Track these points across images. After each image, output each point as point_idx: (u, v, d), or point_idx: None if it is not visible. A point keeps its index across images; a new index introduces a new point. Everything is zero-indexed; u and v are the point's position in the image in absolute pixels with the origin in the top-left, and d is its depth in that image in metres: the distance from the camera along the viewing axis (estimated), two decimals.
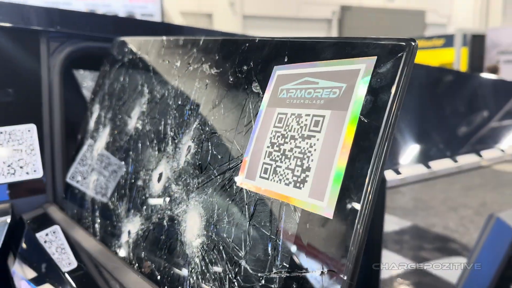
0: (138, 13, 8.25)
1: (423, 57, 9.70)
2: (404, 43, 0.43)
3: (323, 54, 0.52)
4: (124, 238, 0.82)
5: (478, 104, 2.41)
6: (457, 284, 1.66)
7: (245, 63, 0.64)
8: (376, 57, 0.45)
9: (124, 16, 7.44)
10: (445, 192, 4.46)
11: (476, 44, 9.24)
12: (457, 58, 9.18)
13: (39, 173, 1.28)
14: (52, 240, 1.06)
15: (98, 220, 0.96)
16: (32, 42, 1.32)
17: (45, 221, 1.18)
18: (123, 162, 0.96)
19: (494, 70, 7.69)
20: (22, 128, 1.27)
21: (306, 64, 0.53)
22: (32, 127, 1.29)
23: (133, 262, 0.76)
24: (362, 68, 0.46)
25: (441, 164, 2.01)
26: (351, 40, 0.49)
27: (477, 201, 4.25)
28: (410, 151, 2.03)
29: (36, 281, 0.97)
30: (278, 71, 0.57)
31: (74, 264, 0.89)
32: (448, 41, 9.45)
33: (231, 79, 0.66)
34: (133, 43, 1.13)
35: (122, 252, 0.81)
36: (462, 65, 9.12)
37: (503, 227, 1.57)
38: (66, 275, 0.83)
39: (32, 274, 1.00)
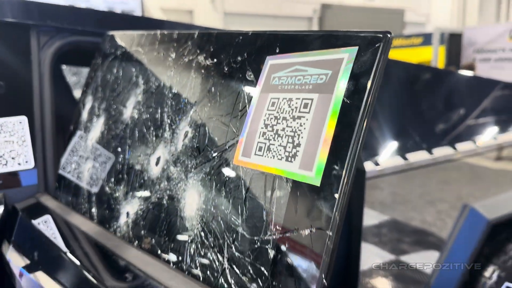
0: (118, 9, 8.17)
1: (402, 55, 9.90)
2: (381, 35, 0.50)
3: (311, 45, 0.59)
4: (122, 219, 0.87)
5: (455, 100, 2.51)
6: (432, 273, 1.73)
7: (239, 54, 0.70)
8: (357, 47, 0.52)
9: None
10: (422, 186, 4.59)
11: (453, 42, 9.48)
12: (435, 56, 9.41)
13: (30, 164, 1.30)
14: (44, 230, 1.10)
15: (94, 205, 1.00)
16: (23, 36, 1.35)
17: (38, 210, 1.22)
18: (112, 154, 1.00)
19: (470, 68, 7.91)
20: (13, 120, 1.30)
21: (296, 54, 0.60)
22: (23, 119, 1.31)
23: (133, 240, 0.82)
24: (345, 56, 0.53)
25: (418, 156, 2.11)
26: (336, 33, 0.56)
27: (453, 194, 4.39)
28: (388, 145, 2.12)
29: (30, 268, 1.00)
30: (271, 61, 0.63)
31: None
32: (426, 39, 9.66)
33: (226, 69, 0.72)
34: (126, 37, 1.17)
35: (121, 232, 0.86)
36: (439, 63, 9.35)
37: (477, 216, 1.65)
38: (69, 255, 0.88)
39: (26, 261, 1.04)
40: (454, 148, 2.28)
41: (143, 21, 2.01)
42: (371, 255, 3.24)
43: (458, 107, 2.51)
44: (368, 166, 1.90)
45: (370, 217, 3.93)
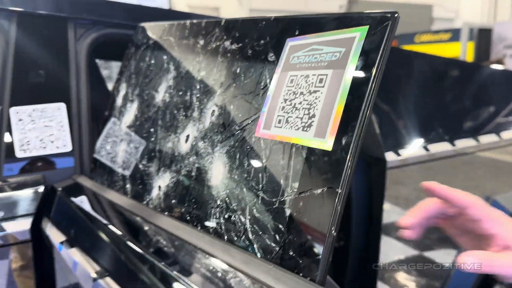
0: None
1: (429, 51, 9.74)
2: (389, 15, 0.56)
3: (327, 26, 0.65)
4: (155, 192, 0.95)
5: (483, 93, 2.49)
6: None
7: (262, 38, 0.77)
8: (368, 26, 0.58)
9: None
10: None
11: (483, 38, 9.26)
12: (463, 52, 9.23)
13: (68, 148, 1.40)
14: None
15: (128, 182, 1.08)
16: (61, 28, 1.44)
17: (75, 190, 1.31)
18: (143, 139, 1.08)
19: (499, 63, 7.74)
20: (52, 106, 1.40)
21: (314, 35, 0.66)
22: (62, 105, 1.41)
23: (164, 210, 0.89)
24: (357, 35, 0.59)
25: (439, 147, 2.12)
26: (349, 14, 0.62)
27: (478, 191, 4.32)
28: (411, 136, 2.14)
29: (67, 243, 1.09)
30: (290, 43, 0.70)
31: None
32: (455, 35, 9.47)
33: (250, 52, 0.79)
34: (157, 27, 1.25)
35: (153, 204, 0.94)
36: (468, 59, 9.17)
37: (499, 208, 1.66)
38: (110, 226, 0.95)
39: (64, 237, 1.12)
40: (477, 141, 2.28)
41: (172, 14, 2.09)
42: (394, 250, 3.24)
43: (484, 100, 2.49)
44: (390, 156, 1.93)
45: (396, 214, 3.93)
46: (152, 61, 1.17)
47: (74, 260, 1.00)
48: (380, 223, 2.01)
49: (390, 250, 3.20)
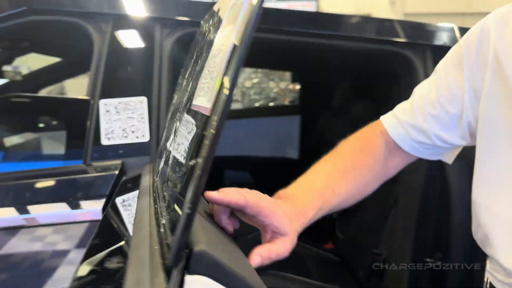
0: None
1: None
2: None
3: None
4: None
5: None
6: None
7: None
8: None
9: None
10: None
11: None
12: None
13: (146, 138, 1.50)
14: None
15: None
16: (149, 28, 1.56)
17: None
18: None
19: None
20: (135, 99, 1.51)
21: None
22: (144, 99, 1.52)
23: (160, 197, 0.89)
24: None
25: None
26: None
27: None
28: None
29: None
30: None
31: None
32: None
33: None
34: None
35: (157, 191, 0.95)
36: None
37: None
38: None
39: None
40: None
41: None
42: None
43: None
44: None
45: None
46: (192, 51, 1.19)
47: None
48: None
49: None
